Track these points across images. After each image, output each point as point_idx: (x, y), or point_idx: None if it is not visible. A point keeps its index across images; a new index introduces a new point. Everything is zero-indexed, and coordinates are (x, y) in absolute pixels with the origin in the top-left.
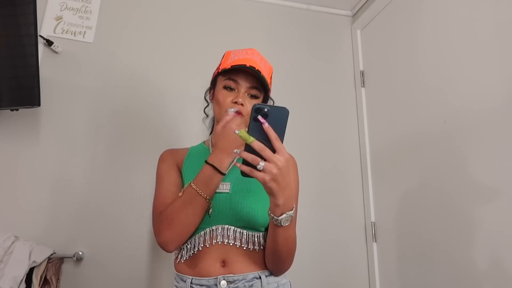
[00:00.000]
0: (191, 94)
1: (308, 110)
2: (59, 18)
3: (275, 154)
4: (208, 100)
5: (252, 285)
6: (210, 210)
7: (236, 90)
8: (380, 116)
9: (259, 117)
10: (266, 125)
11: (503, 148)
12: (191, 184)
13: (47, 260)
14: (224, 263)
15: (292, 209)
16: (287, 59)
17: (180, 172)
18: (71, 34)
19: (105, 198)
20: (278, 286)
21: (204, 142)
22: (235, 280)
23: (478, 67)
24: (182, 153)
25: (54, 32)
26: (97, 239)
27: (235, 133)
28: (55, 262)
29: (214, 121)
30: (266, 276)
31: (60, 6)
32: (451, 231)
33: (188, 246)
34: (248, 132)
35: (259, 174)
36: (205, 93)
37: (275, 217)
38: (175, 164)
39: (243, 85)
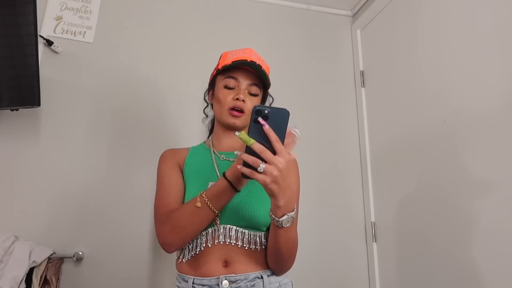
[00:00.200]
0: (191, 94)
1: (308, 110)
2: (59, 18)
3: (276, 156)
4: (208, 101)
5: (254, 284)
6: (217, 221)
7: (237, 88)
8: (380, 116)
9: (260, 119)
10: (266, 127)
11: (503, 148)
12: (203, 194)
13: (47, 260)
14: (226, 263)
15: (293, 210)
16: (287, 59)
17: (181, 172)
18: (71, 34)
19: (105, 198)
20: (280, 285)
21: (204, 142)
22: (237, 280)
23: (478, 67)
24: (183, 153)
25: (54, 32)
26: (97, 239)
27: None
28: (55, 262)
29: (214, 121)
30: (268, 276)
31: (60, 6)
32: (451, 231)
33: (190, 246)
34: (248, 134)
35: (260, 176)
36: (204, 94)
37: (276, 218)
38: (177, 164)
39: (243, 82)
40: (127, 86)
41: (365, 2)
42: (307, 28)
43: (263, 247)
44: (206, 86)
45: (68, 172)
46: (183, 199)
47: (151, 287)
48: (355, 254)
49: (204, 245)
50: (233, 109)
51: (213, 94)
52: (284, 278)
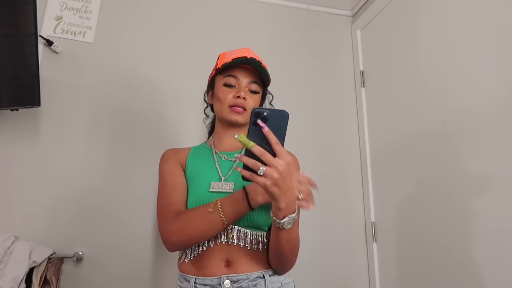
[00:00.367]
0: (191, 94)
1: (308, 110)
2: (59, 18)
3: (276, 158)
4: (207, 102)
5: (255, 284)
6: (228, 235)
7: (237, 86)
8: (380, 116)
9: (259, 121)
10: (266, 129)
11: (503, 148)
12: (218, 202)
13: (47, 260)
14: (228, 263)
15: (294, 212)
16: (287, 59)
17: (183, 172)
18: (71, 34)
19: (105, 198)
20: (281, 285)
21: (205, 142)
22: (238, 280)
23: (478, 67)
24: (184, 152)
25: (54, 32)
26: (97, 239)
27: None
28: (55, 262)
29: (215, 121)
30: (269, 276)
31: (60, 6)
32: (451, 231)
33: (192, 246)
34: (248, 136)
35: (260, 179)
36: (204, 94)
37: (277, 220)
38: (179, 163)
39: (244, 80)
40: (127, 86)
41: (365, 2)
42: (307, 28)
43: (265, 246)
44: (206, 86)
45: (68, 172)
46: (187, 199)
47: (151, 287)
48: (355, 254)
49: (206, 245)
50: (234, 106)
51: (212, 94)
52: (286, 278)
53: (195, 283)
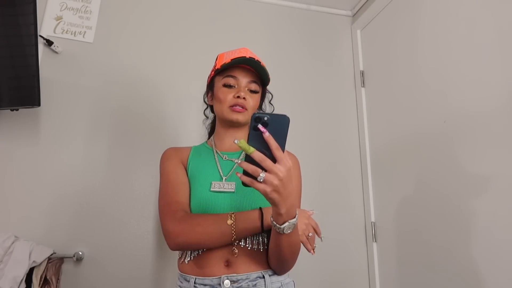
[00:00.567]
0: (191, 94)
1: (308, 110)
2: (59, 18)
3: (276, 164)
4: (207, 102)
5: (255, 284)
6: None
7: (236, 86)
8: (380, 116)
9: (259, 126)
10: (266, 134)
11: (503, 148)
12: (232, 215)
13: (47, 260)
14: (228, 263)
15: (294, 217)
16: (287, 59)
17: (185, 171)
18: (71, 34)
19: (105, 198)
20: (281, 285)
21: (206, 142)
22: (238, 280)
23: (478, 67)
24: (185, 151)
25: (54, 32)
26: (97, 239)
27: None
28: (55, 262)
29: (215, 122)
30: (269, 276)
31: (60, 6)
32: (451, 231)
33: None
34: (248, 142)
35: (260, 186)
36: (204, 96)
37: (277, 225)
38: (181, 162)
39: (243, 80)
40: (127, 86)
41: (365, 2)
42: (307, 28)
43: (266, 247)
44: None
45: (68, 172)
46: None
47: (151, 287)
48: (355, 254)
49: None
50: (234, 106)
51: (212, 95)
52: (286, 278)
53: (194, 283)
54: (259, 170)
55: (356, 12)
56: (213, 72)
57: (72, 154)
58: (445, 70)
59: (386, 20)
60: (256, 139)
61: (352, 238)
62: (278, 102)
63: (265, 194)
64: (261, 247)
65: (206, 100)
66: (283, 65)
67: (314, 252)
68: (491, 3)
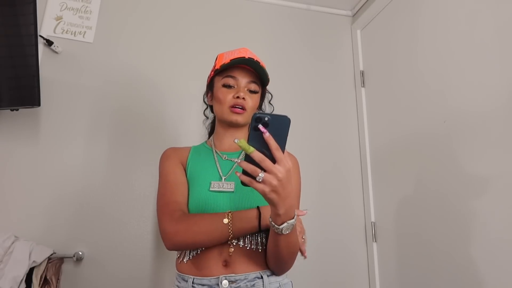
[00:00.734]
0: (191, 94)
1: (308, 110)
2: (59, 18)
3: (275, 165)
4: (207, 103)
5: (253, 284)
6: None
7: (236, 86)
8: (380, 116)
9: (260, 126)
10: (267, 135)
11: (503, 148)
12: (229, 214)
13: (47, 260)
14: (226, 263)
15: (293, 218)
16: (287, 59)
17: (184, 171)
18: (71, 34)
19: (105, 198)
20: (279, 286)
21: (205, 142)
22: (236, 280)
23: (478, 67)
24: (185, 151)
25: (54, 32)
26: (97, 239)
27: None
28: (55, 262)
29: (215, 122)
30: (267, 276)
31: (60, 6)
32: (451, 231)
33: None
34: (248, 141)
35: (259, 186)
36: (204, 96)
37: (276, 225)
38: (180, 162)
39: (242, 80)
40: (127, 86)
41: (365, 2)
42: (307, 28)
43: (264, 247)
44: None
45: (68, 172)
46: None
47: (151, 287)
48: (355, 254)
49: None
50: (234, 106)
51: (212, 95)
52: (284, 278)
53: (193, 283)
54: (259, 170)
55: (356, 12)
56: (212, 72)
57: (72, 154)
58: (445, 70)
59: (386, 20)
60: (256, 139)
61: (352, 238)
62: (278, 102)
63: (264, 194)
64: (260, 247)
65: (205, 100)
66: (283, 65)
67: (306, 256)
68: (491, 3)
